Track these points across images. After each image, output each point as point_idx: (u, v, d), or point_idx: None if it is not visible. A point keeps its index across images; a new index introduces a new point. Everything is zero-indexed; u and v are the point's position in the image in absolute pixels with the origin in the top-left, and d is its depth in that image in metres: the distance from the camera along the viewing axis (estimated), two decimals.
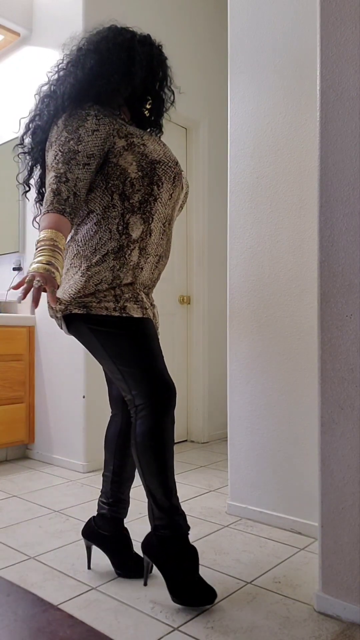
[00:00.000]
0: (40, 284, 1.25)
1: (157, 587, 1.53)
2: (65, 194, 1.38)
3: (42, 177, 1.61)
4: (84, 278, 1.46)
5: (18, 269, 3.20)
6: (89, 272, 1.46)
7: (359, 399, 1.34)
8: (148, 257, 1.53)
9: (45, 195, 1.41)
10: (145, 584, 1.53)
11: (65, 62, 1.55)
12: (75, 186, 1.40)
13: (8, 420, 2.92)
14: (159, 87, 1.62)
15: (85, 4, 2.81)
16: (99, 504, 1.65)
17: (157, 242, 1.54)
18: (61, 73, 1.53)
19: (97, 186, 1.49)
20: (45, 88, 1.55)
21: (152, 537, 1.46)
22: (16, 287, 1.26)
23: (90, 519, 1.64)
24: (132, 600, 1.45)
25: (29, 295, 1.30)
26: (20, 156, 1.62)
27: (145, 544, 1.47)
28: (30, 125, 1.56)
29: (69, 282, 1.48)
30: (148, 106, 1.67)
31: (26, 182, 1.63)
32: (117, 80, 1.51)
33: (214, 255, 3.61)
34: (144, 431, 1.43)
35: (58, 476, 2.70)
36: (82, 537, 1.68)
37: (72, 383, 2.84)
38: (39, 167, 1.60)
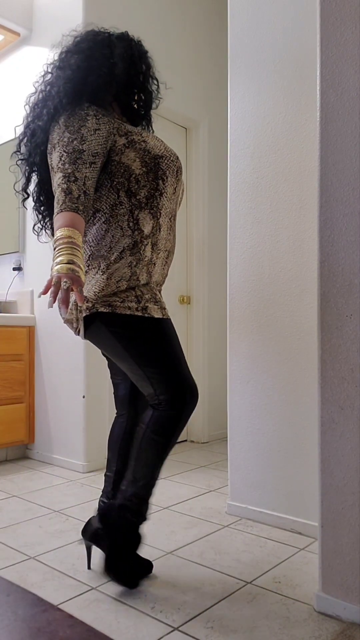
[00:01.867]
0: (69, 284, 1.25)
1: (157, 587, 1.53)
2: (76, 193, 1.39)
3: (41, 184, 1.61)
4: (104, 276, 1.47)
5: (18, 269, 3.20)
6: (109, 270, 1.48)
7: (359, 399, 1.34)
8: (159, 253, 1.55)
9: (56, 195, 1.41)
10: (89, 567, 1.60)
11: (50, 67, 1.57)
12: (85, 185, 1.41)
13: (8, 420, 2.92)
14: (144, 79, 1.63)
15: (85, 4, 2.81)
16: (99, 504, 1.65)
17: (166, 237, 1.57)
18: (48, 77, 1.55)
19: (102, 185, 1.50)
20: (33, 98, 1.57)
21: (114, 511, 1.50)
22: (45, 292, 1.26)
23: (90, 518, 1.65)
24: (132, 600, 1.45)
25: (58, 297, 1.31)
26: (18, 164, 1.62)
27: (102, 513, 1.51)
28: (27, 130, 1.56)
29: (91, 282, 1.49)
30: (136, 101, 1.67)
31: (24, 190, 1.63)
32: (105, 75, 1.52)
33: (214, 255, 3.61)
34: (156, 426, 1.47)
35: (58, 476, 2.70)
36: (82, 538, 1.68)
37: (72, 383, 2.84)
38: (36, 174, 1.60)
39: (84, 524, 1.59)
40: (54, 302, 1.24)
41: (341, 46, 1.37)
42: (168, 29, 3.31)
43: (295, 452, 1.97)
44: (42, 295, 1.31)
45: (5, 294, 3.27)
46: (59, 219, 1.37)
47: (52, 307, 1.25)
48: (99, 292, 1.47)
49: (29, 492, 2.42)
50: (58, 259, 1.30)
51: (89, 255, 1.52)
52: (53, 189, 1.44)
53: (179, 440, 3.44)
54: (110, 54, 1.54)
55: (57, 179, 1.42)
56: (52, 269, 1.30)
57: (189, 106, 3.46)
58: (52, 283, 1.26)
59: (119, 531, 1.49)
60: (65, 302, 1.24)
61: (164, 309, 1.54)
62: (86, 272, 1.51)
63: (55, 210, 1.40)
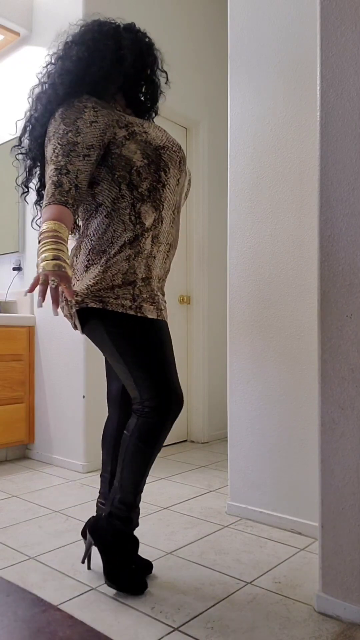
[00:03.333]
0: (56, 283, 1.23)
1: (157, 587, 1.53)
2: (66, 186, 1.36)
3: (42, 178, 1.60)
4: (101, 268, 1.45)
5: (18, 269, 3.20)
6: (107, 264, 1.45)
7: (359, 399, 1.34)
8: (160, 246, 1.52)
9: (47, 187, 1.39)
10: (83, 561, 1.58)
11: (53, 58, 1.54)
12: (77, 178, 1.38)
13: (8, 420, 2.92)
14: (151, 71, 1.61)
15: (85, 4, 2.81)
16: (97, 506, 1.65)
17: (168, 230, 1.54)
18: (49, 68, 1.53)
19: (103, 179, 1.47)
20: (37, 89, 1.55)
21: (104, 520, 1.50)
22: (31, 290, 1.24)
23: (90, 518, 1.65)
24: (132, 600, 1.45)
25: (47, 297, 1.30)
26: (18, 157, 1.60)
27: (93, 524, 1.51)
28: (28, 123, 1.55)
29: (88, 277, 1.47)
30: (143, 93, 1.65)
31: (25, 184, 1.61)
32: (108, 66, 1.50)
33: (214, 255, 3.61)
34: (141, 433, 1.45)
35: (58, 476, 2.70)
36: (82, 538, 1.68)
37: (72, 383, 2.84)
38: (38, 168, 1.59)
39: (84, 524, 1.59)
40: (44, 301, 1.22)
41: (341, 46, 1.37)
42: (168, 29, 3.31)
43: (296, 452, 1.97)
44: (27, 294, 1.29)
45: (5, 294, 3.27)
46: (46, 211, 1.35)
47: (42, 306, 1.24)
48: (91, 286, 1.44)
49: (29, 492, 2.42)
50: (43, 255, 1.28)
51: (90, 250, 1.49)
52: (46, 180, 1.42)
53: (179, 440, 3.46)
54: (115, 45, 1.51)
55: (49, 171, 1.40)
56: (37, 266, 1.28)
57: (189, 106, 3.46)
58: (40, 282, 1.24)
59: (111, 541, 1.49)
60: (55, 300, 1.23)
61: (161, 310, 1.51)
62: (87, 267, 1.49)
63: (44, 202, 1.37)
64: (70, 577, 1.59)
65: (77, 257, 1.51)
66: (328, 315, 1.39)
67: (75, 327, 1.52)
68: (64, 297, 1.46)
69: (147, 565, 1.58)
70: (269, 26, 2.04)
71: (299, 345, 1.96)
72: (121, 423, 1.63)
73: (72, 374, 2.84)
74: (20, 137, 1.58)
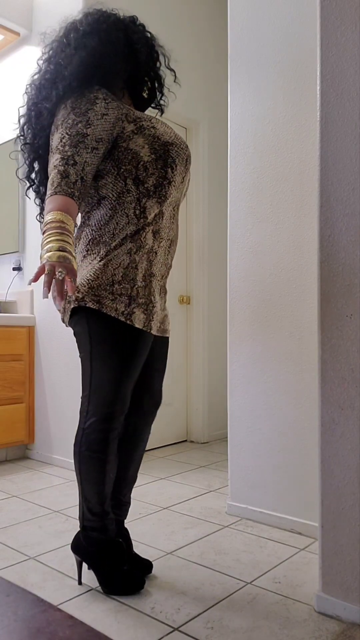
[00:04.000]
0: (64, 275, 1.18)
1: (157, 587, 1.53)
2: (73, 177, 1.32)
3: (45, 170, 1.53)
4: (102, 262, 1.42)
5: (18, 268, 3.20)
6: (108, 257, 1.42)
7: (359, 399, 1.34)
8: (161, 242, 1.49)
9: (51, 176, 1.33)
10: (79, 583, 1.54)
11: (64, 44, 1.48)
12: (83, 170, 1.34)
13: (8, 420, 2.92)
14: (155, 66, 1.59)
15: (85, 4, 2.81)
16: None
17: (169, 225, 1.51)
18: (59, 56, 1.47)
19: (108, 172, 1.43)
20: (38, 77, 1.50)
21: (81, 536, 1.51)
22: (35, 279, 1.18)
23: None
24: (132, 600, 1.45)
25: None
26: (22, 148, 1.54)
27: (74, 544, 1.53)
28: (31, 111, 1.49)
29: (87, 268, 1.43)
30: (146, 89, 1.63)
31: (28, 178, 1.57)
32: (120, 60, 1.47)
33: (214, 255, 3.61)
34: (88, 441, 1.46)
35: (58, 476, 2.70)
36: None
37: (72, 383, 2.84)
38: (41, 159, 1.52)
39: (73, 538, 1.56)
40: (49, 292, 1.18)
41: (341, 46, 1.37)
42: (168, 29, 3.31)
43: (296, 452, 1.97)
44: (32, 283, 1.24)
45: (5, 294, 3.27)
46: (52, 201, 1.29)
47: (47, 297, 1.19)
48: (92, 281, 1.41)
49: (29, 492, 2.42)
50: (48, 245, 1.22)
51: (90, 240, 1.46)
52: (49, 170, 1.37)
53: (178, 440, 3.46)
54: (125, 38, 1.49)
55: (54, 160, 1.35)
56: (41, 256, 1.23)
57: (189, 106, 3.46)
58: (46, 272, 1.18)
59: (94, 553, 1.49)
60: (61, 294, 1.18)
61: (151, 320, 1.47)
62: (84, 256, 1.45)
63: (49, 192, 1.32)
64: (70, 577, 1.59)
65: (76, 247, 1.48)
66: (328, 315, 1.39)
67: (63, 321, 1.51)
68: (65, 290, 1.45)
69: (147, 565, 1.58)
70: (269, 26, 2.04)
71: (299, 345, 1.96)
72: (128, 423, 1.60)
73: (72, 374, 2.84)
74: (22, 127, 1.52)
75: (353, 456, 1.34)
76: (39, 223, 1.62)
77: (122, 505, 1.61)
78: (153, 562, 1.65)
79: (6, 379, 2.91)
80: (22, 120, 1.53)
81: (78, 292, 1.42)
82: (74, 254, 1.25)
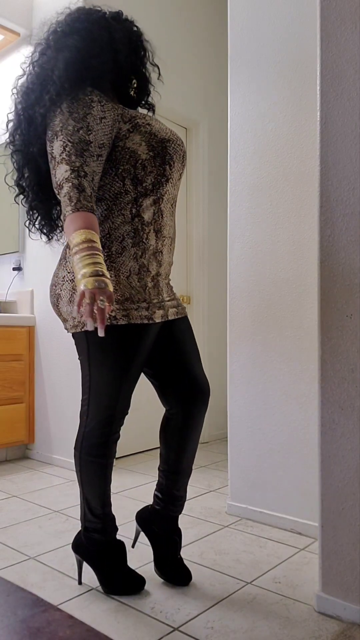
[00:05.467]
0: (105, 304, 1.17)
1: (157, 587, 1.53)
2: (89, 191, 1.30)
3: (38, 177, 1.49)
4: (112, 272, 1.38)
5: (18, 269, 3.20)
6: (114, 265, 1.38)
7: (359, 399, 1.34)
8: (164, 240, 1.47)
9: (65, 190, 1.29)
10: (79, 583, 1.55)
11: (44, 47, 1.45)
12: (93, 180, 1.32)
13: (8, 420, 2.92)
14: (141, 63, 1.54)
15: (85, 4, 2.80)
16: (154, 498, 1.61)
17: (169, 223, 1.49)
18: (42, 58, 1.44)
19: (105, 173, 1.40)
20: (23, 81, 1.47)
21: (82, 536, 1.51)
22: (78, 309, 1.19)
23: (147, 506, 1.63)
24: (132, 600, 1.45)
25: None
26: (12, 155, 1.50)
27: (75, 544, 1.53)
28: (21, 118, 1.45)
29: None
30: (134, 86, 1.58)
31: (18, 184, 1.53)
32: (109, 59, 1.44)
33: (214, 255, 3.61)
34: (88, 445, 1.46)
35: (58, 476, 2.69)
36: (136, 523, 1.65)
37: (72, 383, 2.84)
38: (30, 166, 1.48)
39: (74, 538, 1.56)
40: (94, 321, 1.16)
41: (341, 46, 1.37)
42: (168, 29, 3.31)
43: (296, 452, 1.97)
44: (77, 311, 1.21)
45: (5, 294, 3.27)
46: (75, 219, 1.26)
47: (92, 328, 1.18)
48: (118, 297, 1.37)
49: (29, 492, 2.42)
50: (83, 270, 1.20)
51: None
52: (54, 180, 1.34)
53: None
54: (107, 36, 1.44)
55: (62, 171, 1.31)
56: (78, 281, 1.21)
57: (189, 106, 3.46)
58: (87, 300, 1.17)
59: (94, 553, 1.49)
60: (102, 321, 1.17)
61: (166, 311, 1.47)
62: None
63: (69, 208, 1.27)
64: (70, 577, 1.59)
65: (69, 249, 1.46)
66: (328, 315, 1.39)
67: (65, 328, 1.49)
68: (69, 299, 1.42)
69: (185, 576, 1.56)
70: (269, 26, 2.04)
71: (299, 345, 1.96)
72: (167, 416, 1.58)
73: (72, 374, 2.84)
74: (12, 133, 1.48)
75: (353, 456, 1.34)
76: (29, 228, 1.60)
77: (175, 500, 1.56)
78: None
79: (6, 379, 2.91)
80: (11, 126, 1.48)
81: (111, 311, 1.38)
82: (107, 275, 1.23)
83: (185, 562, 1.69)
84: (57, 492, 2.42)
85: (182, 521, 2.04)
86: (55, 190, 1.34)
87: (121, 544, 1.51)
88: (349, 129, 1.36)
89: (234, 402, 2.14)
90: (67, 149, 1.31)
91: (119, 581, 1.47)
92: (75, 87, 1.36)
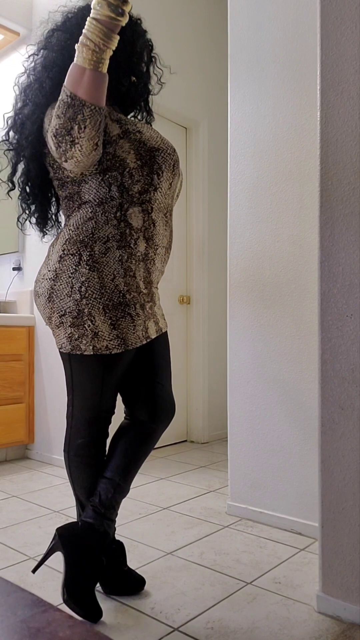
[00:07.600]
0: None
1: (157, 587, 1.53)
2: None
3: (28, 174, 1.51)
4: (94, 274, 1.35)
5: (18, 269, 3.20)
6: (97, 266, 1.35)
7: (359, 399, 1.34)
8: (157, 249, 1.45)
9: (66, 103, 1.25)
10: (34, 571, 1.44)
11: (38, 47, 1.48)
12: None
13: (8, 421, 2.92)
14: (137, 62, 1.51)
15: (85, 4, 2.80)
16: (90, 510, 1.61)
17: (162, 232, 1.47)
18: (37, 60, 1.46)
19: (93, 177, 1.39)
20: (23, 78, 1.49)
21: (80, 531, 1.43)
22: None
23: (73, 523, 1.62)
24: (132, 600, 1.45)
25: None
26: (5, 153, 1.53)
27: (67, 534, 1.43)
28: (17, 118, 1.48)
29: (79, 280, 1.35)
30: (127, 84, 1.53)
31: (10, 180, 1.55)
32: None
33: (214, 255, 3.61)
34: (75, 446, 1.47)
35: (58, 476, 2.69)
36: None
37: None
38: (23, 164, 1.50)
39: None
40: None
41: (341, 46, 1.37)
42: (168, 29, 3.31)
43: (296, 452, 1.97)
44: None
45: (5, 294, 3.27)
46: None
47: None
48: (108, 312, 1.36)
49: (29, 492, 2.42)
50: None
51: (67, 239, 1.39)
52: (54, 125, 1.29)
53: (178, 440, 3.46)
54: None
55: (55, 112, 1.28)
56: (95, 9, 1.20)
57: (189, 106, 3.46)
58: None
59: (88, 550, 1.42)
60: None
61: (156, 323, 1.48)
62: (61, 257, 1.39)
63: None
64: None
65: (53, 247, 1.44)
66: (328, 315, 1.39)
67: (47, 324, 1.47)
68: (65, 317, 1.40)
69: (138, 581, 1.53)
70: (269, 26, 2.04)
71: (299, 345, 1.96)
72: (131, 426, 1.57)
73: None
74: (7, 132, 1.50)
75: (353, 456, 1.34)
76: (20, 224, 1.64)
77: (115, 512, 1.50)
78: (153, 562, 1.65)
79: (6, 379, 2.91)
80: (7, 124, 1.51)
81: (101, 340, 1.37)
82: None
83: (185, 562, 1.69)
84: (56, 492, 2.42)
85: (182, 521, 2.04)
86: (56, 123, 1.29)
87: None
88: (349, 129, 1.36)
89: (234, 402, 2.14)
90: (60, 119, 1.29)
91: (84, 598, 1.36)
92: (57, 87, 1.37)
